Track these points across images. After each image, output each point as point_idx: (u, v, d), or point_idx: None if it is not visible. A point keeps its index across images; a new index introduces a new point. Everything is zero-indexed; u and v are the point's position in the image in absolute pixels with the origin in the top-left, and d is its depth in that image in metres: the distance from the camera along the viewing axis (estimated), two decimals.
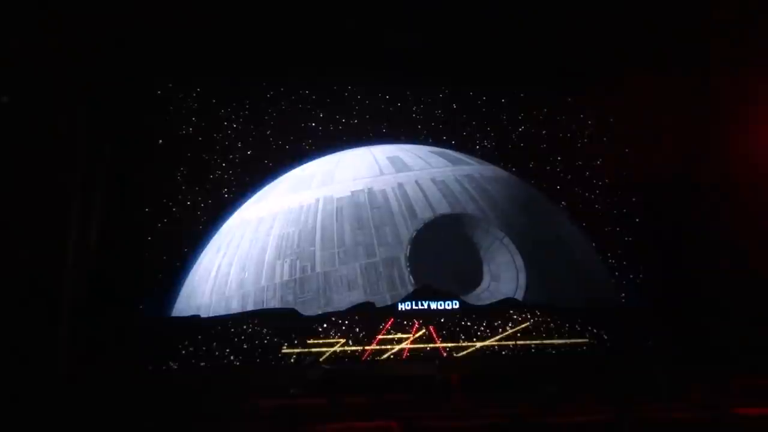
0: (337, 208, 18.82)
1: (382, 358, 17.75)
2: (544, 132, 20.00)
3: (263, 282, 17.95)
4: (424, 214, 18.86)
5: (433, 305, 17.98)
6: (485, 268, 18.64)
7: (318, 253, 18.23)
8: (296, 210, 18.75)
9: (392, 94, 19.80)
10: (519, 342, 18.30)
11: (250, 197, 18.55)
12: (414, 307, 17.86)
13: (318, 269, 18.07)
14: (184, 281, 17.67)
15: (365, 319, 17.68)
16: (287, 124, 19.21)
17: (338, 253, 18.33)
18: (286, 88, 19.30)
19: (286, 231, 18.59)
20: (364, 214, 18.79)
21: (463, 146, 19.98)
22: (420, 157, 19.75)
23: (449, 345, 18.07)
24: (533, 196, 19.64)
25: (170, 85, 18.41)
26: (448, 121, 19.95)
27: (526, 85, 19.82)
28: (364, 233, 18.62)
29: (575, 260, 19.29)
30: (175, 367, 16.64)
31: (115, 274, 16.00)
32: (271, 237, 18.40)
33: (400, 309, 17.83)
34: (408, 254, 18.26)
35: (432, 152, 19.87)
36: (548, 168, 19.89)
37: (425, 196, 19.19)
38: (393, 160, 19.66)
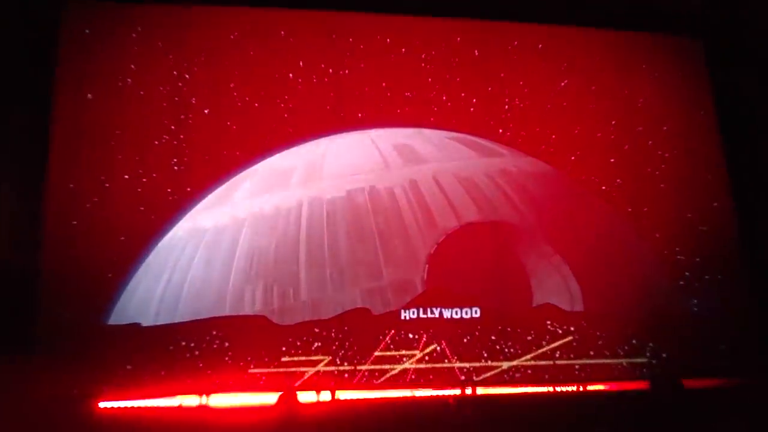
0: (327, 213, 14.53)
1: (379, 381, 13.85)
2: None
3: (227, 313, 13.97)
4: (446, 222, 14.81)
5: (447, 314, 14.27)
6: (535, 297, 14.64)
7: (303, 275, 14.24)
8: (271, 216, 14.43)
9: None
10: (558, 361, 14.08)
11: (202, 199, 14.29)
12: (422, 315, 14.16)
13: (303, 296, 14.12)
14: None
15: (358, 330, 13.93)
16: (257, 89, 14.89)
17: (330, 274, 14.36)
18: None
19: (257, 244, 14.29)
20: (366, 221, 14.59)
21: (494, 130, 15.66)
22: (437, 146, 15.44)
23: (467, 365, 14.15)
24: (584, 197, 15.57)
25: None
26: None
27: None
28: (365, 248, 14.56)
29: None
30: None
31: None
32: (236, 254, 14.21)
33: (403, 317, 14.13)
34: (425, 277, 14.35)
35: (452, 139, 15.48)
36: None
37: (446, 197, 15.04)
38: (402, 150, 15.31)
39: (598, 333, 14.53)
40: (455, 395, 13.61)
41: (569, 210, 15.33)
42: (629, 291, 14.77)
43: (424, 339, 14.03)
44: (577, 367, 14.39)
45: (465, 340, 14.14)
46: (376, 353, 13.82)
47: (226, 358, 13.44)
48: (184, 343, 13.37)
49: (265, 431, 9.75)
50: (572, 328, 14.49)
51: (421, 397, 13.00)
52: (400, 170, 15.14)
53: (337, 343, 13.76)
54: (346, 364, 13.73)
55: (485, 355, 14.14)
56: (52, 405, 10.83)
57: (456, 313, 14.22)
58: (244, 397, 13.22)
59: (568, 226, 15.19)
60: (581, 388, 14.18)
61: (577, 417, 10.23)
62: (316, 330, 13.78)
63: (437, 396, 13.10)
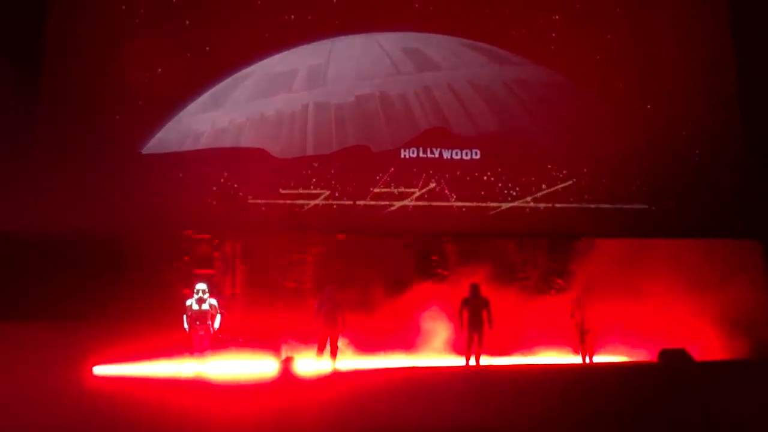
0: (336, 119, 14.13)
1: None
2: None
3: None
4: (465, 133, 14.40)
5: (447, 154, 14.13)
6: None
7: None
8: (273, 120, 14.08)
9: None
10: (558, 204, 13.92)
11: (195, 100, 13.90)
12: (421, 154, 14.06)
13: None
14: None
15: (357, 166, 13.90)
16: None
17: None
18: None
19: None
20: (378, 128, 14.17)
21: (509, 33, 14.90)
22: (450, 52, 14.69)
23: (466, 204, 14.07)
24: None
25: None
26: None
27: None
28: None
29: None
30: None
31: None
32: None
33: (403, 156, 14.05)
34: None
35: (465, 45, 14.79)
36: None
37: (463, 106, 14.54)
38: (412, 55, 14.62)
39: (600, 179, 14.31)
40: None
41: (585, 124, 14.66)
42: (632, 143, 14.45)
43: (424, 178, 13.95)
44: (577, 210, 14.23)
45: (464, 181, 14.03)
46: (376, 189, 13.80)
47: (227, 189, 13.64)
48: (181, 175, 13.56)
49: (263, 403, 9.03)
50: (573, 173, 14.29)
51: (416, 367, 12.73)
52: (412, 76, 14.52)
53: (336, 178, 13.76)
54: (345, 199, 13.74)
55: (483, 195, 14.04)
56: (46, 372, 10.34)
57: (456, 154, 14.10)
58: (240, 365, 12.78)
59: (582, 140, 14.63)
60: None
61: (587, 390, 9.67)
62: (316, 165, 13.76)
63: (436, 367, 12.83)
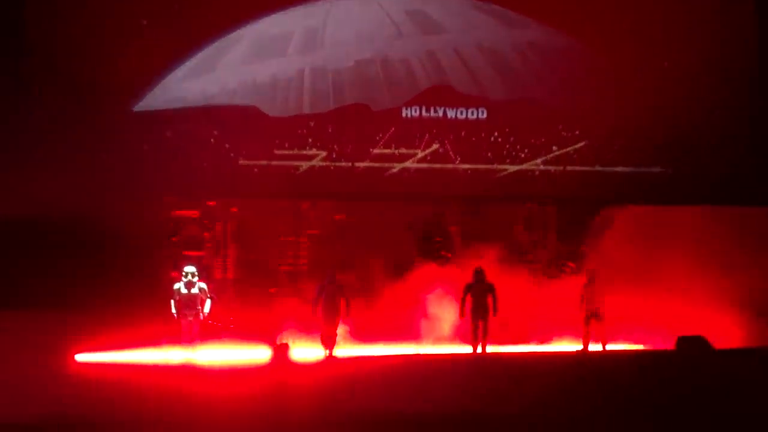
0: (334, 84, 13.24)
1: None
2: None
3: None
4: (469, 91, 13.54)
5: (451, 113, 13.33)
6: None
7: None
8: (266, 86, 13.16)
9: None
10: (570, 167, 13.15)
11: (183, 65, 12.97)
12: (424, 113, 13.28)
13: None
14: None
15: (356, 126, 13.13)
16: None
17: None
18: None
19: None
20: (378, 87, 13.30)
21: None
22: (456, 14, 13.74)
23: (471, 167, 13.35)
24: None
25: None
26: None
27: None
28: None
29: None
30: None
31: None
32: None
33: (404, 115, 13.25)
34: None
35: (472, 6, 13.81)
36: None
37: (470, 72, 13.54)
38: (415, 16, 13.63)
39: (614, 141, 13.49)
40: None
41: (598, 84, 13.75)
42: (649, 103, 13.51)
43: (426, 138, 13.19)
44: (589, 173, 13.47)
45: (470, 142, 13.26)
46: (375, 151, 13.07)
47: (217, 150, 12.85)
48: (169, 134, 12.78)
49: (255, 390, 8.37)
50: (586, 135, 13.43)
51: (412, 355, 12.26)
52: (416, 39, 13.56)
53: (333, 138, 13.02)
54: (343, 160, 13.02)
55: (490, 157, 13.29)
56: (26, 361, 9.82)
57: (461, 113, 13.30)
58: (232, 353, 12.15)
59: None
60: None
61: (599, 380, 9.30)
62: (312, 124, 12.99)
63: (431, 355, 12.24)
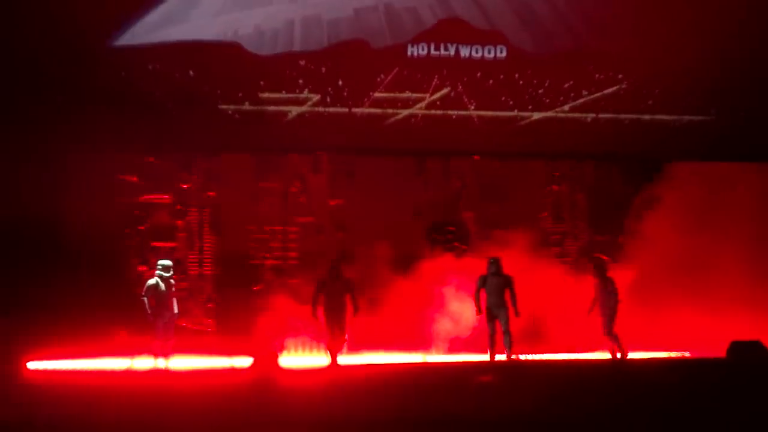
0: (329, 37, 11.61)
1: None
2: None
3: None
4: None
5: (465, 51, 11.67)
6: None
7: None
8: (252, 39, 11.45)
9: None
10: (603, 115, 11.67)
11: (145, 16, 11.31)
12: (433, 52, 11.63)
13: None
14: None
15: (354, 66, 11.49)
16: None
17: None
18: None
19: None
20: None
21: None
22: None
23: (488, 113, 11.74)
24: None
25: None
26: None
27: None
28: None
29: None
30: None
31: None
32: None
33: (410, 54, 11.62)
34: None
35: None
36: None
37: (488, 19, 11.75)
38: None
39: (653, 85, 11.81)
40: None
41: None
42: (693, 42, 11.75)
43: (436, 81, 11.60)
44: (626, 122, 11.82)
45: (486, 85, 11.68)
46: (376, 94, 11.54)
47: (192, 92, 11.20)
48: (136, 74, 11.14)
49: (236, 399, 7.55)
50: (622, 76, 11.76)
51: (421, 363, 10.96)
52: None
53: (328, 80, 11.46)
54: (338, 105, 11.51)
55: (511, 103, 11.73)
56: None
57: (476, 51, 11.65)
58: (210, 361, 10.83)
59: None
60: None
61: (651, 386, 8.09)
62: (302, 63, 11.38)
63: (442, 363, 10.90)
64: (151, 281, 10.38)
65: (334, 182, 12.26)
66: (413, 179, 12.30)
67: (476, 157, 12.29)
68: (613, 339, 10.47)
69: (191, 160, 11.93)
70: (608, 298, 10.41)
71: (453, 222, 12.55)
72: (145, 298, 10.25)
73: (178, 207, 12.03)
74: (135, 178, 11.80)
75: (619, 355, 10.51)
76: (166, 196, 11.99)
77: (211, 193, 12.08)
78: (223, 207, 12.05)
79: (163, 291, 10.38)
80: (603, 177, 12.54)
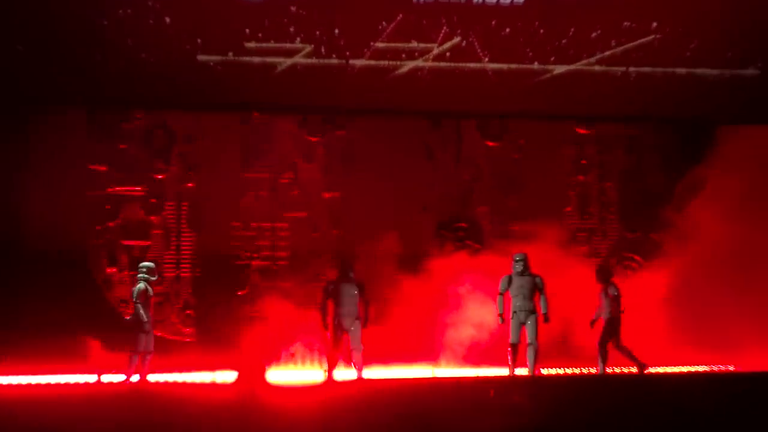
0: None
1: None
2: None
3: None
4: None
5: None
6: None
7: None
8: None
9: None
10: (633, 68, 10.95)
11: None
12: None
13: None
14: None
15: (351, 12, 10.55)
16: None
17: None
18: None
19: None
20: None
21: None
22: None
23: (504, 66, 10.76)
24: None
25: None
26: None
27: None
28: None
29: None
30: None
31: None
32: None
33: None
34: None
35: None
36: None
37: None
38: None
39: (691, 35, 10.75)
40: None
41: None
42: None
43: (445, 29, 10.63)
44: (659, 75, 10.82)
45: (502, 34, 10.68)
46: (377, 44, 10.57)
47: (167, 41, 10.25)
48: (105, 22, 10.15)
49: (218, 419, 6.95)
50: (656, 25, 10.70)
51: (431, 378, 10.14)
52: None
53: (322, 27, 10.54)
54: (334, 56, 10.58)
55: (530, 54, 10.75)
56: None
57: None
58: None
59: None
60: None
61: (685, 406, 7.33)
62: (293, 9, 10.41)
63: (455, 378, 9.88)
64: (140, 286, 9.79)
65: (329, 172, 11.52)
66: (420, 168, 11.46)
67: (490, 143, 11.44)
68: (623, 352, 9.56)
69: (168, 147, 11.19)
70: (608, 306, 9.54)
71: (465, 218, 11.90)
72: (140, 305, 9.65)
73: (153, 200, 11.31)
74: (105, 167, 10.98)
75: (635, 369, 9.62)
76: (139, 188, 11.21)
77: (189, 185, 11.35)
78: (204, 200, 11.35)
79: (151, 297, 9.95)
80: (635, 161, 11.69)
